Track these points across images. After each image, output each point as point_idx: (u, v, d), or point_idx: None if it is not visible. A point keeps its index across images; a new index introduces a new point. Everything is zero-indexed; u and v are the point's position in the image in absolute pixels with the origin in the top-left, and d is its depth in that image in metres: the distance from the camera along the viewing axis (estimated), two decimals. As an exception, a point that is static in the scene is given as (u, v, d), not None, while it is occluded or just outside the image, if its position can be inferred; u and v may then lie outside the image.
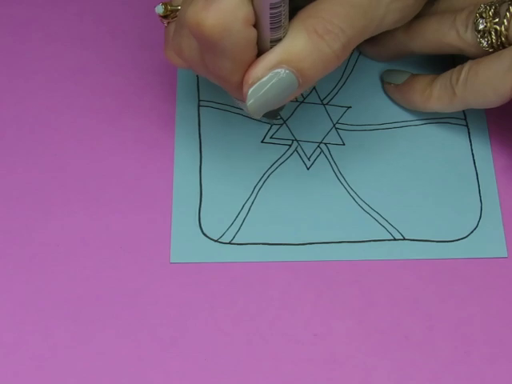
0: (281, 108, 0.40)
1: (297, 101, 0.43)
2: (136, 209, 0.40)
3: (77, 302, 0.38)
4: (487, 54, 0.38)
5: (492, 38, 0.38)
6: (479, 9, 0.38)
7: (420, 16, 0.41)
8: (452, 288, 0.39)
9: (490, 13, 0.38)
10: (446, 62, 0.43)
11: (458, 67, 0.39)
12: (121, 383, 0.36)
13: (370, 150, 0.42)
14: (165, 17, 0.37)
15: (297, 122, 0.43)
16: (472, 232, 0.40)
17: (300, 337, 0.37)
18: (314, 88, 0.44)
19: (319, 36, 0.33)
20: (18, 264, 0.39)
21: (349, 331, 0.38)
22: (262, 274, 0.39)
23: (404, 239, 0.40)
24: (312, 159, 0.42)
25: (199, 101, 0.43)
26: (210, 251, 0.39)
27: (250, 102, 0.34)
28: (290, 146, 0.42)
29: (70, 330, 0.37)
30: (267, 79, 0.34)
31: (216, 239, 0.39)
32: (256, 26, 0.33)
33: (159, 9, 0.37)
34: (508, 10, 0.37)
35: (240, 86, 0.34)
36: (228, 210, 0.40)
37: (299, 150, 0.42)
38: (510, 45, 0.38)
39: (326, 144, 0.42)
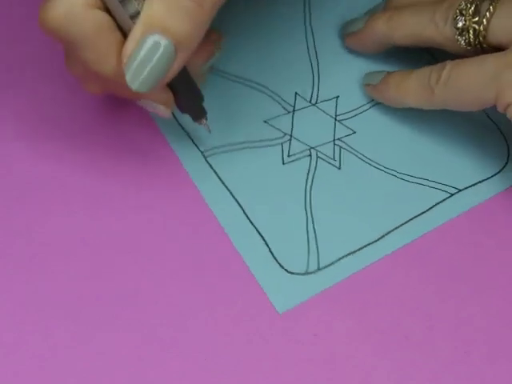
0: (198, 99, 0.39)
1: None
2: (137, 209, 0.40)
3: (77, 302, 0.38)
4: (465, 50, 0.38)
5: (470, 37, 0.37)
6: (460, 5, 0.38)
7: (401, 7, 0.40)
8: (452, 288, 0.39)
9: (470, 11, 0.37)
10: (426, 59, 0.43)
11: (438, 66, 0.39)
12: (121, 383, 0.37)
13: (381, 125, 0.42)
14: None
15: (301, 131, 0.43)
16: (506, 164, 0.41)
17: (300, 337, 0.37)
18: (297, 94, 0.43)
19: None
20: (17, 264, 0.39)
21: (349, 331, 0.38)
22: (262, 273, 0.39)
23: (460, 190, 0.40)
24: (337, 158, 0.42)
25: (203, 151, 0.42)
26: (308, 285, 0.38)
27: (128, 79, 0.33)
28: (310, 155, 0.42)
29: (70, 330, 0.37)
30: (137, 51, 0.33)
31: (304, 272, 0.39)
32: (109, 9, 0.33)
33: None
34: (488, 9, 0.37)
35: (123, 78, 0.34)
36: (297, 240, 0.39)
37: (321, 155, 0.42)
38: (488, 44, 0.37)
39: (340, 139, 0.42)
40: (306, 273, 0.39)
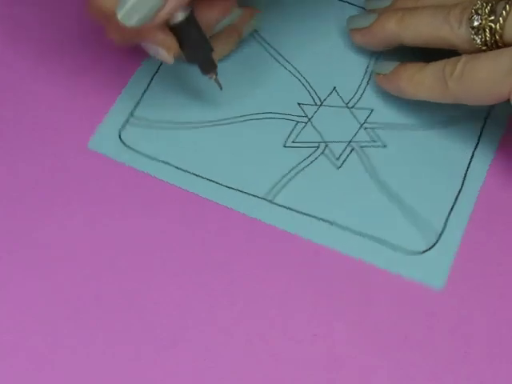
0: (207, 51, 0.39)
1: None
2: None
3: (77, 302, 0.38)
4: (479, 50, 0.38)
5: (486, 36, 0.37)
6: (475, 5, 0.38)
7: (413, 8, 0.40)
8: (452, 288, 0.39)
9: (487, 10, 0.37)
10: (438, 52, 0.42)
11: (452, 59, 0.39)
12: (121, 383, 0.37)
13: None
14: None
15: (321, 124, 0.43)
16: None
17: (300, 337, 0.37)
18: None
19: None
20: (17, 264, 0.39)
21: (349, 331, 0.38)
22: (262, 274, 0.39)
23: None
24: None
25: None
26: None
27: (118, 11, 0.35)
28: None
29: (70, 330, 0.37)
30: None
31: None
32: None
33: None
34: (505, 8, 0.37)
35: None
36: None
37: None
38: (503, 43, 0.37)
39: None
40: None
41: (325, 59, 0.45)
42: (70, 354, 0.37)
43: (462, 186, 0.41)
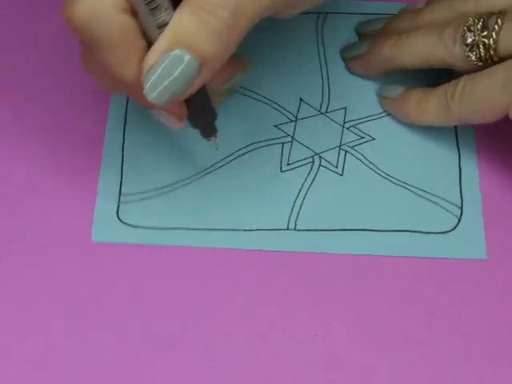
0: (211, 117, 0.38)
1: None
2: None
3: (77, 301, 0.38)
4: (476, 67, 0.38)
5: (480, 52, 0.38)
6: (467, 22, 0.38)
7: (405, 31, 0.41)
8: (452, 288, 0.39)
9: (479, 26, 0.38)
10: (437, 73, 0.43)
11: (452, 82, 0.39)
12: (121, 383, 0.37)
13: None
14: None
15: (306, 138, 0.43)
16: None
17: (300, 337, 0.37)
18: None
19: (202, 8, 0.32)
20: (17, 264, 0.39)
21: (349, 331, 0.38)
22: (262, 274, 0.39)
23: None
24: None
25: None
26: None
27: (146, 89, 0.32)
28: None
29: (70, 330, 0.37)
30: (160, 63, 0.32)
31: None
32: (136, 15, 0.32)
33: None
34: (496, 22, 0.37)
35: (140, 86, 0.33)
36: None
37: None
38: (498, 57, 0.37)
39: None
40: None
41: (281, 75, 0.44)
42: (69, 354, 0.37)
43: (459, 152, 0.42)
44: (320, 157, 0.42)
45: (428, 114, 0.40)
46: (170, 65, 0.32)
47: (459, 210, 0.40)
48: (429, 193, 0.41)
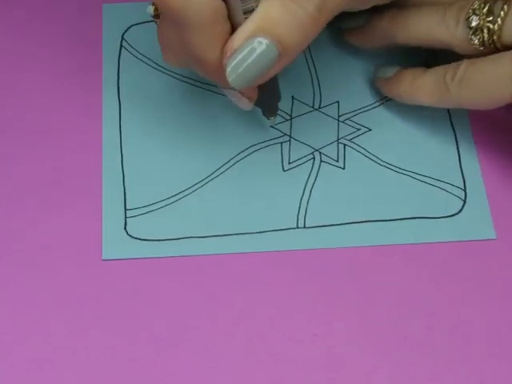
0: (276, 99, 0.39)
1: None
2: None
3: (77, 301, 0.38)
4: (476, 51, 0.38)
5: (484, 36, 0.37)
6: (473, 5, 0.38)
7: (406, 7, 0.40)
8: (452, 287, 0.39)
9: (484, 10, 0.37)
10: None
11: (453, 64, 0.39)
12: (121, 383, 0.36)
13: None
14: (156, 16, 0.37)
15: (304, 135, 0.43)
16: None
17: (300, 337, 0.37)
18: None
19: (291, 0, 0.33)
20: (17, 264, 0.39)
21: (349, 331, 0.38)
22: (262, 274, 0.39)
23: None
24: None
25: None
26: None
27: (228, 72, 0.34)
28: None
29: (70, 330, 0.37)
30: (243, 48, 0.33)
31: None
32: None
33: (149, 9, 0.37)
34: (502, 8, 0.37)
35: (221, 67, 0.34)
36: None
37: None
38: (501, 44, 0.37)
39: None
40: None
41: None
42: (69, 354, 0.37)
43: (455, 135, 0.42)
44: (320, 152, 0.42)
45: (422, 92, 0.40)
46: (251, 51, 0.33)
47: (463, 192, 0.41)
48: (431, 178, 0.41)
